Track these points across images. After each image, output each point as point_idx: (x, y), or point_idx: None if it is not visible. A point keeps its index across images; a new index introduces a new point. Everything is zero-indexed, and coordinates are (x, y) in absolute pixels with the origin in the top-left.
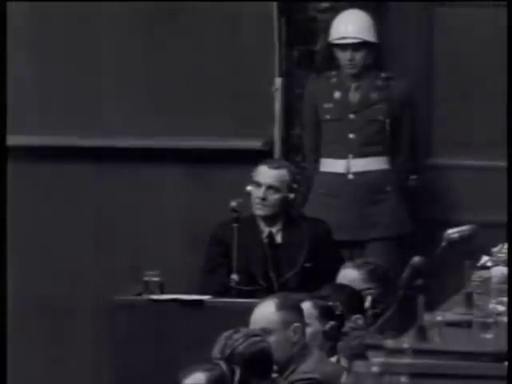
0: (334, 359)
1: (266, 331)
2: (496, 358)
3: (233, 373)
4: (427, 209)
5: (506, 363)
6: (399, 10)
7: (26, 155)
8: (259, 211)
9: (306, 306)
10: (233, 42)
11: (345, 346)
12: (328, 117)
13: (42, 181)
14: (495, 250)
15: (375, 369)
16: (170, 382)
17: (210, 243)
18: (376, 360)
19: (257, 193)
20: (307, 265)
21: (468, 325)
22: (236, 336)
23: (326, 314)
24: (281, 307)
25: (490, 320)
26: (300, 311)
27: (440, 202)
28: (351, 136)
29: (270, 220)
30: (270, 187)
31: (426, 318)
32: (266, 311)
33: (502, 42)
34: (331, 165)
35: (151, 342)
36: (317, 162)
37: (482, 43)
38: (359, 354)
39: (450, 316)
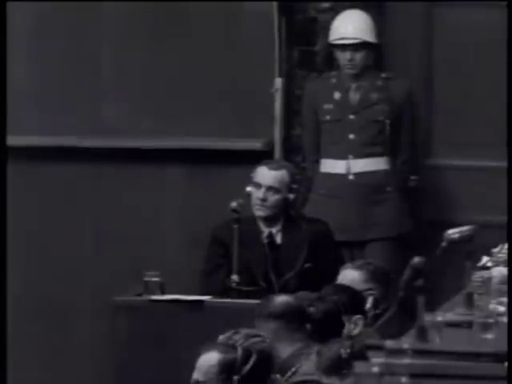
0: None
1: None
2: (496, 358)
3: (246, 361)
4: (427, 209)
5: (507, 364)
6: (399, 10)
7: (25, 155)
8: (259, 212)
9: None
10: (233, 42)
11: (320, 360)
12: (328, 117)
13: (42, 181)
14: (495, 250)
15: (375, 369)
16: (170, 381)
17: (211, 244)
18: (376, 360)
19: (257, 194)
20: (307, 265)
21: (468, 325)
22: (236, 337)
23: None
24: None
25: (491, 320)
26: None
27: (440, 202)
28: (351, 137)
29: (270, 221)
30: (269, 188)
31: (427, 318)
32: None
33: (502, 41)
34: (331, 165)
35: (151, 342)
36: (317, 162)
37: (482, 43)
38: (335, 366)
39: (451, 316)
